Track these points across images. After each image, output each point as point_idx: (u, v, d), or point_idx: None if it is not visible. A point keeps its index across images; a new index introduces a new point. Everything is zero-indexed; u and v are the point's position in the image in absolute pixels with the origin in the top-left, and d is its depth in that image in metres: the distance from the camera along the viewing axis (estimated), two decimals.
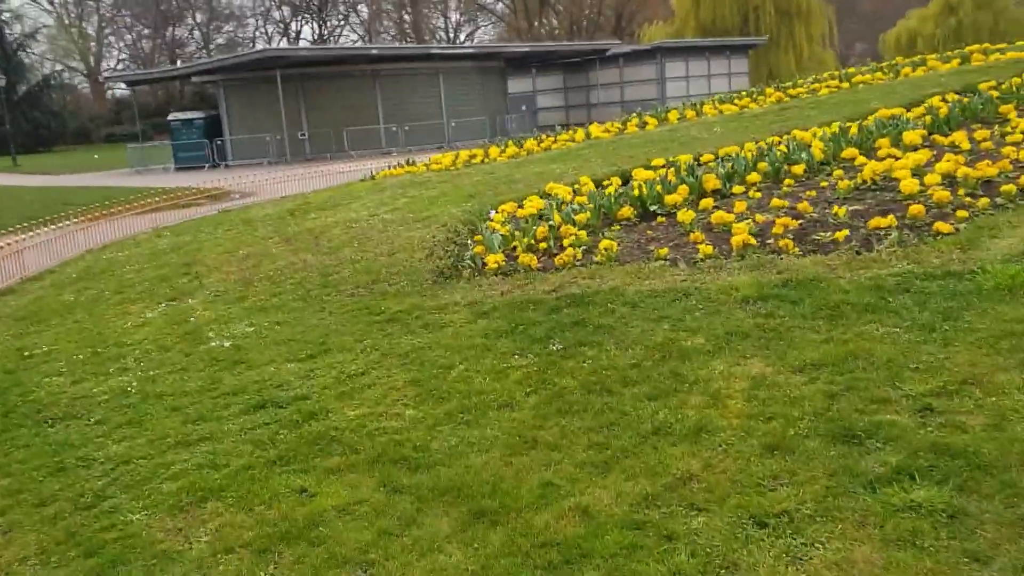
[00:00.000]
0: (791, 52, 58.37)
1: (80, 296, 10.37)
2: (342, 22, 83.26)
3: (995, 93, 12.06)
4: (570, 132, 17.40)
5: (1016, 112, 10.71)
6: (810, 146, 10.05)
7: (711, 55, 52.36)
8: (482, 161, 16.24)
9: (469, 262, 8.18)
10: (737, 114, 15.09)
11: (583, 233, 8.14)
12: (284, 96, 38.26)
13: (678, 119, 16.28)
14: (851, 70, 20.12)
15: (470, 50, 43.70)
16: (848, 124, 11.12)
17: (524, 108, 49.78)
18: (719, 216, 7.93)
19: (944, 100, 12.36)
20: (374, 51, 41.71)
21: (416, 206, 12.27)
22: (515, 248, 8.35)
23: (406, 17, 77.81)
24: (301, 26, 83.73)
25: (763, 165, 9.48)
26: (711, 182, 9.13)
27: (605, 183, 10.91)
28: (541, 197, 10.57)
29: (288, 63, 38.40)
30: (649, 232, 8.24)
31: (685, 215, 8.10)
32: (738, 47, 54.16)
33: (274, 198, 21.27)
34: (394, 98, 41.72)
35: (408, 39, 76.42)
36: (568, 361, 5.79)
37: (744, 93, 17.31)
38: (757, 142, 11.52)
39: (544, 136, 18.09)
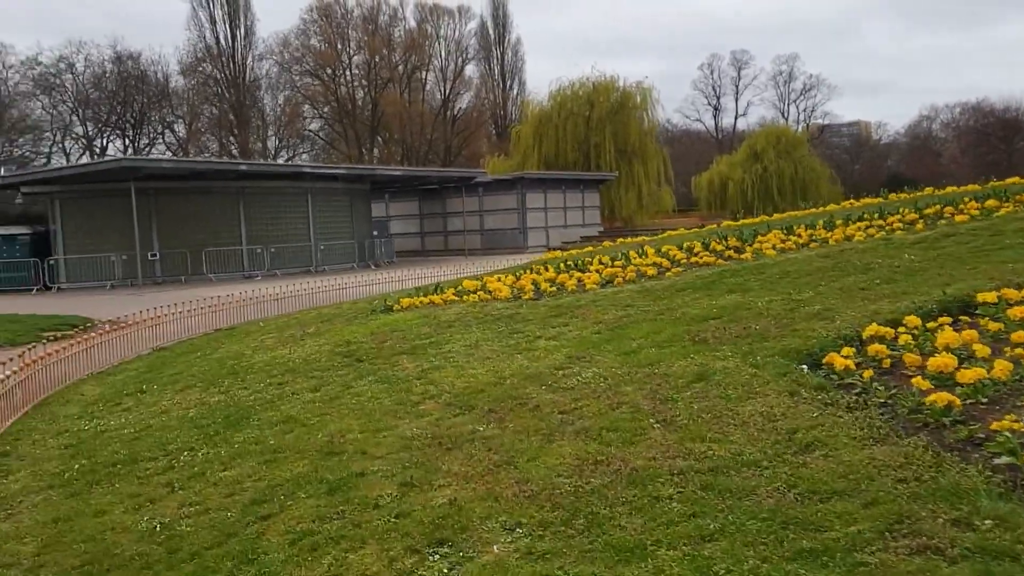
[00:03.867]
0: (632, 190, 58.28)
1: None
2: (154, 140, 76.50)
3: None
4: (640, 257, 13.80)
5: None
6: None
7: (567, 188, 51.03)
8: (558, 288, 12.34)
9: None
10: (886, 238, 12.13)
11: None
12: (136, 211, 32.48)
13: (797, 245, 13.07)
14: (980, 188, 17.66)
15: (341, 171, 39.55)
16: None
17: (376, 233, 45.82)
18: None
19: None
20: (243, 167, 36.72)
21: (612, 358, 8.22)
22: None
23: (231, 139, 72.31)
24: (107, 142, 76.01)
25: None
26: None
27: (931, 325, 7.41)
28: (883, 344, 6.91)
29: (145, 175, 32.75)
30: None
31: None
32: (591, 181, 53.34)
33: (222, 328, 16.16)
34: (259, 218, 36.75)
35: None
36: None
37: (816, 223, 14.41)
38: None
39: (601, 258, 14.36)
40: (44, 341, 11.72)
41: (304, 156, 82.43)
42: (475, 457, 6.09)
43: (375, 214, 49.73)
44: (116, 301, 27.41)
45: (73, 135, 73.53)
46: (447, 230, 50.55)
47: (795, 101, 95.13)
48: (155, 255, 34.56)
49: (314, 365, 10.18)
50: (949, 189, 20.11)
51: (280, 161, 78.81)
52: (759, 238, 13.91)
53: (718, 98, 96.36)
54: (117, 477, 7.10)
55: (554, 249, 48.43)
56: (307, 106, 77.98)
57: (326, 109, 78.38)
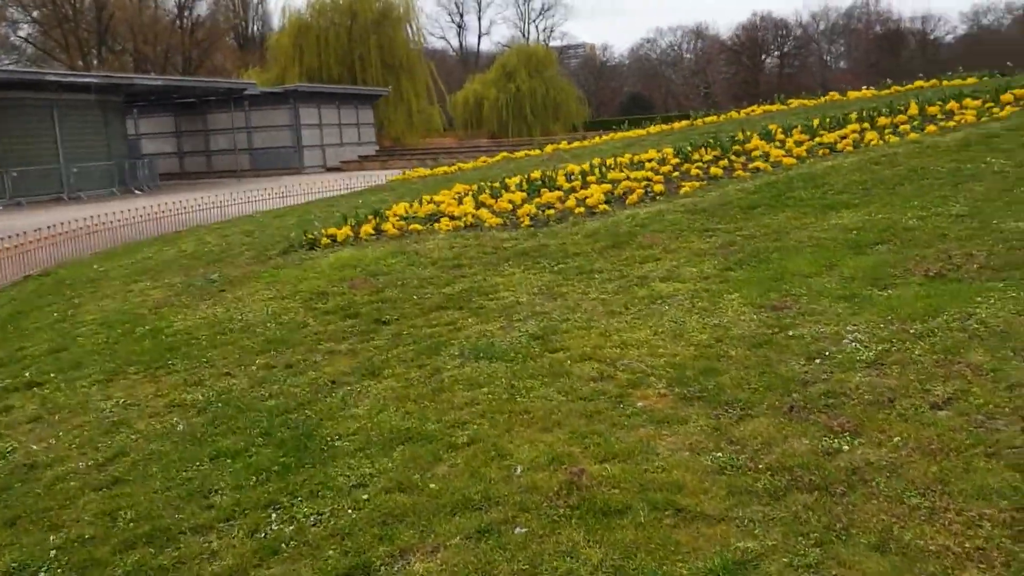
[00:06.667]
0: (401, 107, 54.54)
1: None
2: None
3: None
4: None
5: None
6: None
7: (341, 104, 46.63)
8: (557, 211, 9.48)
9: None
10: (917, 141, 10.34)
11: None
12: None
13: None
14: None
15: (94, 79, 32.78)
16: None
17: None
18: None
19: None
20: None
21: (839, 308, 5.70)
22: None
23: None
24: None
25: None
26: None
27: None
28: None
29: None
30: None
31: None
32: (365, 97, 49.17)
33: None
34: None
35: None
36: None
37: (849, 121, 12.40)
38: None
39: (567, 170, 11.49)
40: None
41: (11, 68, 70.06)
42: (971, 517, 3.34)
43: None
44: None
45: None
46: (210, 149, 44.46)
47: (535, 21, 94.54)
48: None
49: (307, 332, 6.76)
50: (828, 96, 19.10)
51: None
52: (737, 147, 11.72)
53: (461, 15, 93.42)
54: None
55: (332, 169, 44.16)
56: (13, 9, 65.98)
57: (36, 13, 66.70)
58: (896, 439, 3.92)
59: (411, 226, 9.78)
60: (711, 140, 12.01)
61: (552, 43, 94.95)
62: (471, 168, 17.03)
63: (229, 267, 9.90)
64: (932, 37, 70.03)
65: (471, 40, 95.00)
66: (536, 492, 3.90)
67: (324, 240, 10.00)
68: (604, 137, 18.64)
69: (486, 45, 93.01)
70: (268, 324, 7.09)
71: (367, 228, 9.98)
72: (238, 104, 42.02)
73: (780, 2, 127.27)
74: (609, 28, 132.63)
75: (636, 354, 5.29)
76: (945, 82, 17.14)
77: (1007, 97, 12.11)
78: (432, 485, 4.09)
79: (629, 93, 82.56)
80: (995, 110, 11.68)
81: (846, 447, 3.91)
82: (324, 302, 7.53)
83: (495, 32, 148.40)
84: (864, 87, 20.02)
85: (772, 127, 12.57)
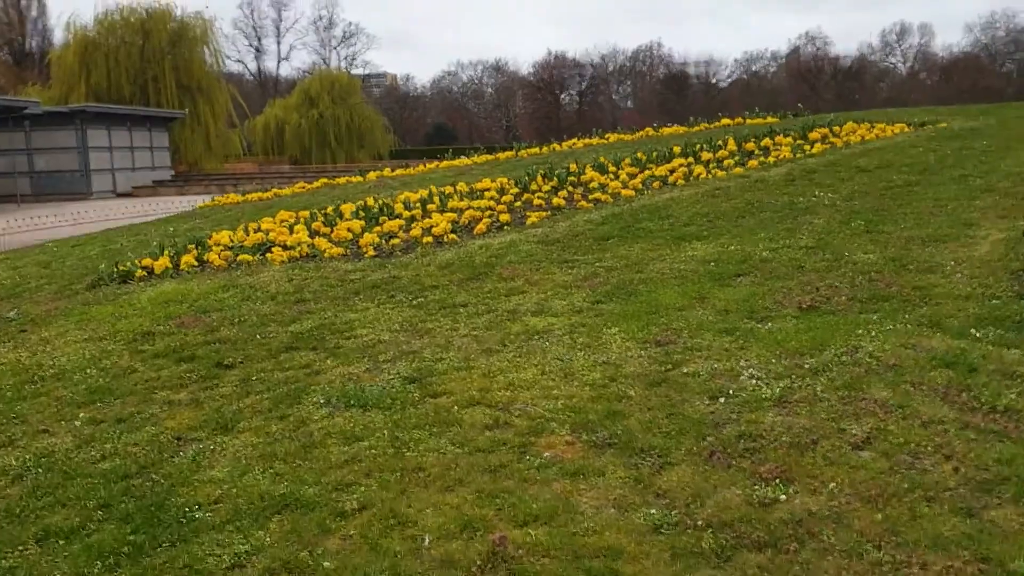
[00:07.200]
0: (199, 131, 51.71)
1: None
2: None
3: None
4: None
5: None
6: None
7: (134, 126, 43.57)
8: (403, 240, 8.96)
9: None
10: (744, 175, 10.59)
11: None
12: None
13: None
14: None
15: None
16: None
17: None
18: None
19: None
20: None
21: (724, 342, 5.53)
22: None
23: None
24: None
25: None
26: None
27: None
28: None
29: None
30: None
31: None
32: (159, 119, 46.25)
33: None
34: None
35: None
36: None
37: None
38: None
39: (406, 196, 10.92)
40: None
41: None
42: None
43: None
44: None
45: None
46: None
47: (336, 48, 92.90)
48: None
49: (136, 379, 5.84)
50: (633, 132, 19.60)
51: None
52: (573, 178, 11.63)
53: (259, 39, 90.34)
54: None
55: (123, 195, 41.09)
56: None
57: None
58: (831, 485, 3.66)
59: (240, 256, 8.88)
60: (547, 171, 11.82)
61: (354, 71, 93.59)
62: (290, 194, 16.07)
63: (28, 303, 8.60)
64: (714, 80, 74.94)
65: (269, 64, 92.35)
66: (454, 567, 3.33)
67: (139, 272, 8.91)
68: (430, 165, 18.24)
69: (286, 70, 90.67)
70: (88, 370, 6.07)
71: (188, 259, 8.98)
72: (17, 124, 38.28)
73: (573, 42, 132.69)
74: (410, 59, 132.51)
75: (529, 396, 4.83)
76: (749, 120, 18.06)
77: (815, 135, 12.76)
78: (326, 563, 3.43)
79: (434, 124, 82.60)
80: (807, 147, 12.26)
81: (782, 496, 3.61)
82: (151, 343, 6.58)
83: (295, 58, 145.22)
84: (666, 124, 20.75)
85: (603, 159, 12.61)
